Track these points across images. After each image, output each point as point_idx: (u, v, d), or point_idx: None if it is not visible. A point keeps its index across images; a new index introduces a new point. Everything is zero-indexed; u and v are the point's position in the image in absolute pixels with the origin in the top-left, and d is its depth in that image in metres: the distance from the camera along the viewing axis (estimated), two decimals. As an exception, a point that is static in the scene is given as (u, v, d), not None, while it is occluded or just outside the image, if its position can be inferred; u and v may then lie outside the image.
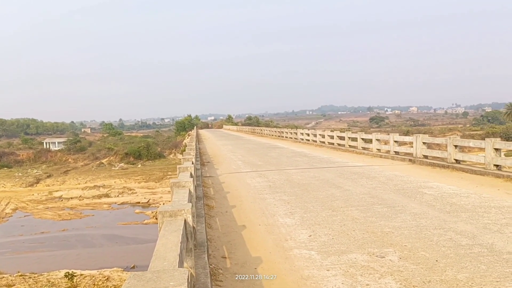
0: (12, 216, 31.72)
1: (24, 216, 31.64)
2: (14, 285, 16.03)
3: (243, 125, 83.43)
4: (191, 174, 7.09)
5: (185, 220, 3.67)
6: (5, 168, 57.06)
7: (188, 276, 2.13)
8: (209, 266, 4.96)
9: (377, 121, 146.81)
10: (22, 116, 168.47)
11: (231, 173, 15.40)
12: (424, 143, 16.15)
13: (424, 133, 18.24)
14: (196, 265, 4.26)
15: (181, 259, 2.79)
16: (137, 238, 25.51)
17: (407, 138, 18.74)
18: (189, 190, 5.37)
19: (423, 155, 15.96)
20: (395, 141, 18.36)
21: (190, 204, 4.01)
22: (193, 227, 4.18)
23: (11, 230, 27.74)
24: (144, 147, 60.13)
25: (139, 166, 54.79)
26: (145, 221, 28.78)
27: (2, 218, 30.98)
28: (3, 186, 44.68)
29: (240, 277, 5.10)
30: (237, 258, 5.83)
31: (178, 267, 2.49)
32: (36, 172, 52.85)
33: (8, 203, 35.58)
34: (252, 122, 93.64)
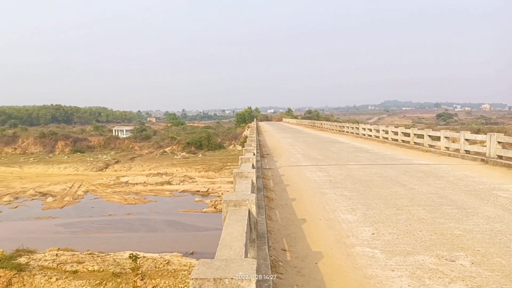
0: (83, 198, 33.90)
1: (94, 198, 33.70)
2: (84, 262, 17.13)
3: (302, 118, 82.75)
4: (253, 165, 7.10)
5: (249, 211, 3.66)
6: (79, 153, 61.04)
7: (256, 267, 2.09)
8: (270, 258, 4.93)
9: (445, 118, 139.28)
10: (94, 104, 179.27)
11: (290, 166, 15.31)
12: (499, 142, 15.06)
13: (497, 132, 17.04)
14: (258, 256, 4.25)
15: (246, 249, 2.77)
16: (196, 226, 26.25)
17: (479, 137, 17.58)
18: (252, 181, 5.37)
19: (498, 155, 14.90)
20: (466, 139, 17.30)
21: (254, 195, 4.00)
22: (256, 218, 4.16)
23: (82, 211, 29.66)
24: (205, 137, 61.55)
25: (200, 156, 56.24)
26: (204, 210, 29.54)
27: (75, 199, 33.20)
28: (76, 170, 47.82)
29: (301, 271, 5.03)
30: (297, 251, 5.77)
31: (244, 257, 2.47)
32: (106, 158, 56.00)
33: (80, 185, 38.04)
34: (312, 115, 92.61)
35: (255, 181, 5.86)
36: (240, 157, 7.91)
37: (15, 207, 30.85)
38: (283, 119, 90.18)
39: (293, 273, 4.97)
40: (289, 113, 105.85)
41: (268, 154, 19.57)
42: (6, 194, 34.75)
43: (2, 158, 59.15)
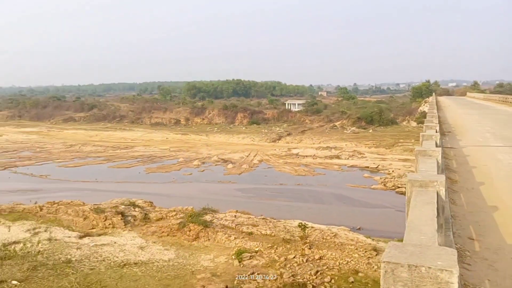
0: (258, 166, 36.62)
1: (267, 167, 36.08)
2: (258, 225, 18.57)
3: (491, 93, 72.56)
4: (436, 143, 6.48)
5: (437, 193, 3.30)
6: (255, 125, 65.87)
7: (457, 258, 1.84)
8: (455, 246, 4.45)
9: None
10: (270, 79, 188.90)
11: (476, 146, 13.60)
12: None
13: None
14: (444, 243, 3.86)
15: (437, 235, 2.49)
16: (364, 202, 25.81)
17: None
18: (437, 160, 4.88)
19: None
20: None
21: (443, 176, 3.60)
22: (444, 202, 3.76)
23: (257, 179, 32.10)
24: (377, 112, 59.46)
25: (370, 131, 54.75)
26: (373, 186, 28.81)
27: (251, 167, 36.09)
28: (252, 140, 51.81)
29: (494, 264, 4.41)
30: (488, 242, 5.07)
31: (437, 244, 2.21)
32: (278, 130, 59.13)
33: (256, 155, 41.12)
34: (504, 89, 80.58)
35: (440, 161, 5.32)
36: (421, 134, 7.30)
37: (202, 171, 35.20)
38: (467, 93, 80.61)
39: (483, 266, 4.39)
40: (474, 87, 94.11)
41: (449, 131, 17.77)
42: (195, 158, 39.90)
43: (193, 127, 67.85)
